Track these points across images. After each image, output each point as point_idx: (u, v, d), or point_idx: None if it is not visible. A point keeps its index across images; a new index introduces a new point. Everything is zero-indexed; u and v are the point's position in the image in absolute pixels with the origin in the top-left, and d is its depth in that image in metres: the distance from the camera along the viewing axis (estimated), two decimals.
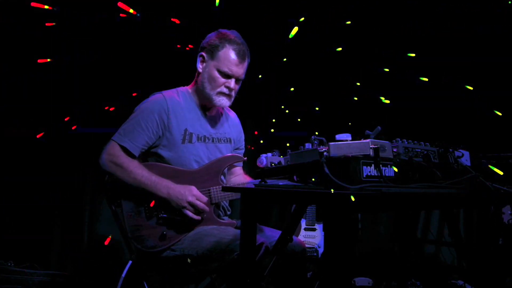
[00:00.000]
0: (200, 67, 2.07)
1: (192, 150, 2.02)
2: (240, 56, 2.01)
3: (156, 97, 2.03)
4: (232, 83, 2.02)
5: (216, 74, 2.01)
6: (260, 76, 3.08)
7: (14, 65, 2.95)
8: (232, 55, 2.00)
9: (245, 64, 2.05)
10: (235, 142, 2.25)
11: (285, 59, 3.27)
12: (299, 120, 3.32)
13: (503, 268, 2.08)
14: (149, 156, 2.02)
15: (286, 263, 1.89)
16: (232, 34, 2.05)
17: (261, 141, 3.11)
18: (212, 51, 2.01)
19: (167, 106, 1.99)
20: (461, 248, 1.78)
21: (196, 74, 2.12)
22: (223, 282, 1.95)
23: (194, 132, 2.04)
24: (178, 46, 2.94)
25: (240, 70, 2.03)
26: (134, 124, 1.94)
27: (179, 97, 2.07)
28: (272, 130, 3.20)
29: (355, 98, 3.21)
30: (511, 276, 2.20)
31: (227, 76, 2.01)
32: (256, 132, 2.82)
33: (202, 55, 2.06)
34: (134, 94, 2.44)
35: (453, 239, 1.78)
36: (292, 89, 3.29)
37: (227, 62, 1.99)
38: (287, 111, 3.35)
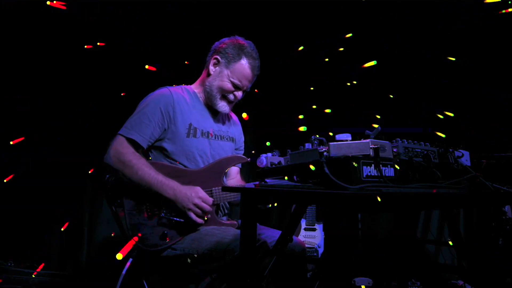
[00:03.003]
0: (212, 69, 2.09)
1: (197, 145, 2.03)
2: (254, 72, 2.09)
3: (162, 90, 2.05)
4: (239, 94, 2.10)
5: (228, 83, 2.06)
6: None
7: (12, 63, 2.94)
8: (247, 70, 2.06)
9: (255, 78, 2.12)
10: (236, 142, 2.26)
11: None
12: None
13: (503, 268, 2.08)
14: (153, 150, 2.02)
15: (286, 263, 1.89)
16: (250, 46, 2.09)
17: (267, 143, 3.08)
18: (228, 60, 2.06)
19: (172, 99, 2.01)
20: (461, 248, 1.78)
21: (205, 73, 2.14)
22: (223, 282, 1.95)
23: (199, 127, 2.05)
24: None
25: (250, 84, 2.11)
26: (141, 117, 1.95)
27: (184, 93, 2.09)
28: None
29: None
30: (511, 277, 2.20)
31: (237, 87, 2.07)
32: (247, 117, 2.73)
33: (216, 58, 2.08)
34: (123, 94, 2.43)
35: (453, 239, 1.77)
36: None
37: (241, 76, 2.06)
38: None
